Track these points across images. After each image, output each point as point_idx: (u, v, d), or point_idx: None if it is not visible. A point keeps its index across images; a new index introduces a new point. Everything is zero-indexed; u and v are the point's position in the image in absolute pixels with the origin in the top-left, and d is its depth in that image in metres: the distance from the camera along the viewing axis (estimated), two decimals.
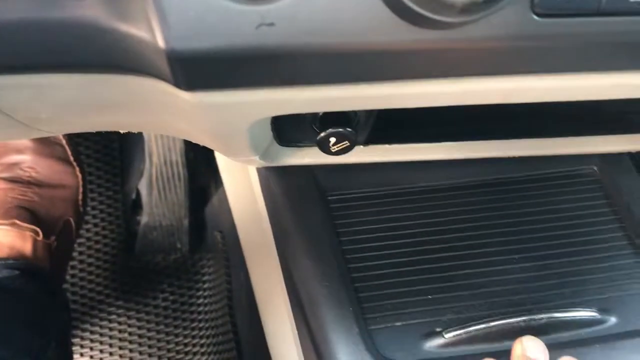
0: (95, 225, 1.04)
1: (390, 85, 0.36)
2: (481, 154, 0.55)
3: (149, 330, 1.00)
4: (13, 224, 0.74)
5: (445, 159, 0.54)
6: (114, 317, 1.00)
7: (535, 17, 0.32)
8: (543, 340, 0.45)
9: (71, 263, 0.99)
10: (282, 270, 0.58)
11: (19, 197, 0.77)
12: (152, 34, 0.31)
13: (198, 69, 0.33)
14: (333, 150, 0.48)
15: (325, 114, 0.48)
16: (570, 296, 0.55)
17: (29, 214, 0.76)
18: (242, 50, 0.31)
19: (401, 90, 0.36)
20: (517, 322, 0.52)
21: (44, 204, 0.79)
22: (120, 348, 0.98)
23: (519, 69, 0.36)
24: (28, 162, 0.81)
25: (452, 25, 0.31)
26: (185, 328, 1.01)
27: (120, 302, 1.01)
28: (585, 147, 0.57)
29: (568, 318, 0.53)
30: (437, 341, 0.52)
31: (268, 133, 0.48)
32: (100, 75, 0.36)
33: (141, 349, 0.99)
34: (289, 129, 0.50)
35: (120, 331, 1.00)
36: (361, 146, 0.52)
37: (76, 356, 0.97)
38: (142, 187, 1.06)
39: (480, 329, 0.52)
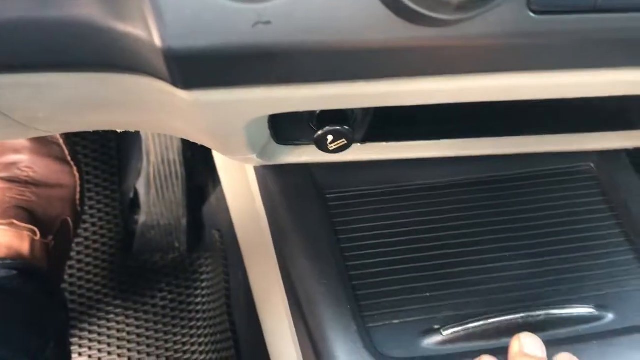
0: (93, 224, 1.04)
1: (386, 83, 0.36)
2: (479, 151, 0.55)
3: (147, 329, 1.00)
4: (11, 224, 0.73)
5: (442, 157, 0.54)
6: (112, 316, 1.00)
7: (531, 14, 0.32)
8: (540, 337, 0.45)
9: (69, 262, 0.99)
10: (280, 268, 0.58)
11: (17, 196, 0.77)
12: (148, 32, 0.31)
13: (195, 68, 0.33)
14: (330, 149, 0.48)
15: (323, 112, 0.48)
16: (567, 293, 0.55)
17: (27, 214, 0.76)
18: (238, 48, 0.31)
19: (398, 87, 0.36)
20: (515, 319, 0.52)
21: (41, 204, 0.79)
22: (119, 347, 0.98)
23: (515, 67, 0.36)
24: (25, 161, 0.81)
25: (448, 23, 0.31)
26: (183, 327, 1.00)
27: (118, 302, 1.01)
28: (583, 144, 0.57)
29: (565, 315, 0.53)
30: (435, 338, 0.52)
31: (265, 131, 0.48)
32: (97, 74, 0.36)
33: (139, 348, 0.98)
34: (286, 127, 0.50)
35: (118, 330, 1.00)
36: (358, 144, 0.52)
37: (74, 356, 0.97)
38: (140, 186, 1.06)
39: (478, 326, 0.52)
